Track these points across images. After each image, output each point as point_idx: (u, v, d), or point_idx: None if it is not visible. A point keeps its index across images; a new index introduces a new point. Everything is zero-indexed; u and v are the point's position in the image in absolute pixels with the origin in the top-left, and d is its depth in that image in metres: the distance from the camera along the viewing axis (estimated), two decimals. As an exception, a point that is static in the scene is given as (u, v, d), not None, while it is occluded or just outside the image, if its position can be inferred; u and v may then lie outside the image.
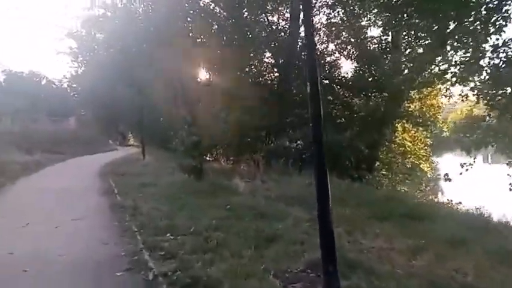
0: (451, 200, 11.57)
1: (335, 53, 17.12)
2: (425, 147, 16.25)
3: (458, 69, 11.81)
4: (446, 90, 15.20)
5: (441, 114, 16.01)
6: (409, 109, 15.06)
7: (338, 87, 15.64)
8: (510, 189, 7.15)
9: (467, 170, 7.64)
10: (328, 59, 16.56)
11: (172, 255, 4.90)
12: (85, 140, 33.77)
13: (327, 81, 15.96)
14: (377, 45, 15.82)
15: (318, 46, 17.34)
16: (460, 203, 10.66)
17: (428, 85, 14.85)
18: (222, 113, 11.60)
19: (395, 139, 15.79)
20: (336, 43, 17.08)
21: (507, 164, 7.51)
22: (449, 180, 7.69)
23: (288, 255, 4.65)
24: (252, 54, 18.45)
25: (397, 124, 15.42)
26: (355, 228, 5.86)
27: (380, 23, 16.00)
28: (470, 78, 8.68)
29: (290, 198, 8.28)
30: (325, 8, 17.62)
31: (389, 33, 15.25)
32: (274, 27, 19.06)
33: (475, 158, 7.64)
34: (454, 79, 9.43)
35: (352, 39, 16.52)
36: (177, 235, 5.74)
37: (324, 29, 17.27)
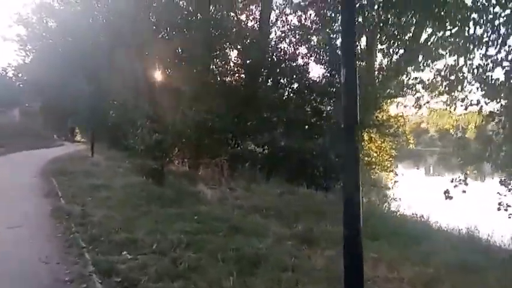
0: (416, 214, 11.32)
1: (304, 57, 16.58)
2: (390, 159, 16.08)
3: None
4: (416, 101, 15.13)
5: (406, 125, 15.90)
6: (378, 118, 14.78)
7: (307, 92, 15.06)
8: (499, 209, 6.75)
9: (455, 186, 7.17)
10: (299, 61, 15.97)
11: (131, 283, 3.88)
12: (29, 133, 31.13)
13: (296, 85, 15.35)
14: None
15: (287, 49, 16.75)
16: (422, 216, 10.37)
17: (400, 95, 14.68)
18: (185, 111, 10.56)
19: (362, 149, 15.46)
20: (306, 46, 16.55)
21: (500, 182, 7.14)
22: (450, 198, 7.19)
23: (280, 286, 3.79)
24: (217, 52, 17.53)
25: (364, 134, 15.09)
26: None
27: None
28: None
29: (264, 209, 7.43)
30: (298, 10, 17.07)
31: (363, 39, 14.93)
32: (243, 26, 18.26)
33: (466, 175, 7.18)
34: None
35: (322, 44, 16.07)
36: (138, 254, 4.70)
37: (296, 31, 16.68)
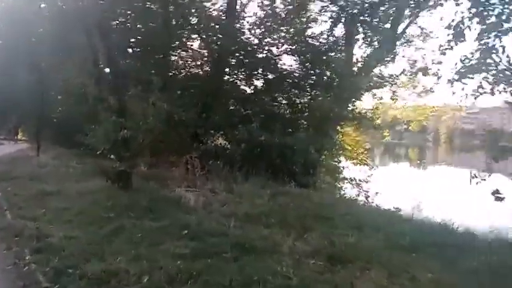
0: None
1: (276, 47, 15.55)
2: (365, 152, 15.58)
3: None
4: (393, 93, 14.70)
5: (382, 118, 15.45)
6: (355, 111, 14.15)
7: (282, 83, 14.08)
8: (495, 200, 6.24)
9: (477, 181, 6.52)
10: (274, 51, 14.90)
11: None
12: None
13: (271, 77, 14.28)
14: (325, 41, 14.61)
15: (258, 38, 15.61)
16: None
17: (379, 87, 14.13)
18: (156, 104, 9.11)
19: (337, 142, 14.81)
20: (277, 36, 15.52)
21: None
22: (502, 199, 6.55)
23: None
24: (179, 42, 16.05)
25: (340, 127, 14.41)
26: (399, 274, 4.11)
27: (327, 17, 14.89)
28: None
29: (262, 216, 6.31)
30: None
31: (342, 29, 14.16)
32: (208, 14, 16.82)
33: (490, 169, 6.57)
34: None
35: (296, 33, 15.12)
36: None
37: (266, 20, 15.54)
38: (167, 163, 12.82)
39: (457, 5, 5.96)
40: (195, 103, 13.58)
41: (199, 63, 16.71)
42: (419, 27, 13.93)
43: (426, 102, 14.81)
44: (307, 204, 7.28)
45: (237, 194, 8.11)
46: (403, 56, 14.29)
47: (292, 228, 5.69)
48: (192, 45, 17.07)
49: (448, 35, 5.94)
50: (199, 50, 16.78)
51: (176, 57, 16.58)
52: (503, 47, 5.68)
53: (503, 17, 5.68)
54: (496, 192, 6.36)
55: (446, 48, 6.14)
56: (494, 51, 5.71)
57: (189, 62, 16.67)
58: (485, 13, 5.95)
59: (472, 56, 5.86)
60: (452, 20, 6.00)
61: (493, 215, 6.39)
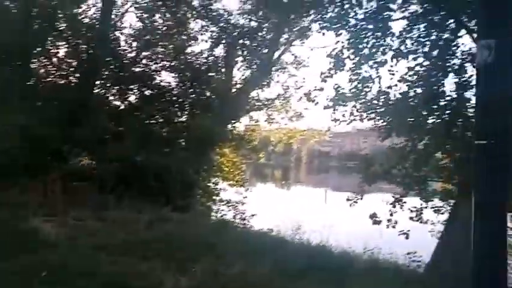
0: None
1: (153, 62, 14.85)
2: (242, 174, 15.78)
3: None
4: (269, 117, 15.30)
5: (258, 140, 15.88)
6: (233, 132, 14.28)
7: (161, 100, 13.42)
8: (387, 226, 6.83)
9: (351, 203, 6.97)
10: (152, 67, 14.13)
11: None
12: None
13: (148, 92, 13.46)
14: (205, 60, 14.52)
15: (135, 52, 14.72)
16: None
17: (256, 109, 14.56)
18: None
19: (214, 163, 14.70)
20: (156, 51, 14.85)
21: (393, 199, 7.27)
22: (378, 223, 6.86)
23: None
24: (41, 48, 14.16)
25: (219, 148, 14.35)
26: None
27: (207, 37, 14.91)
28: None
29: (140, 247, 5.63)
30: (146, 12, 15.12)
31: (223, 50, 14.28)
32: (78, 22, 15.24)
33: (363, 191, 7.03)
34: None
35: (175, 50, 14.70)
36: None
37: (145, 33, 14.71)
38: (20, 186, 10.88)
39: (337, 35, 6.42)
40: (59, 117, 11.97)
41: (65, 73, 14.95)
42: (293, 54, 14.89)
43: (296, 126, 15.82)
44: (189, 231, 6.82)
45: (109, 222, 7.20)
46: (278, 82, 15.05)
47: (175, 260, 5.19)
48: (57, 52, 15.25)
49: (330, 63, 6.34)
50: (66, 58, 15.06)
51: (38, 65, 14.63)
52: (379, 77, 6.28)
53: (380, 49, 6.31)
54: (373, 215, 6.86)
55: (327, 76, 6.53)
56: (369, 81, 6.28)
57: (53, 71, 14.79)
58: (360, 45, 6.55)
59: (351, 84, 6.34)
60: (333, 50, 6.44)
61: (366, 235, 6.91)
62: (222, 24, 14.62)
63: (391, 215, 6.89)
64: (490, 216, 2.20)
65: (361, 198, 6.97)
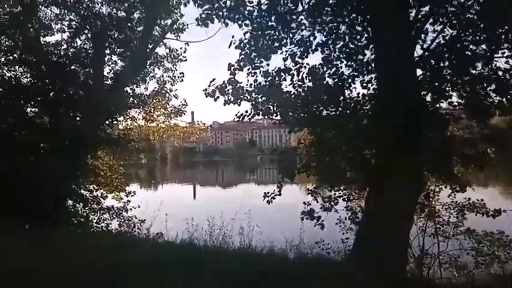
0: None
1: (7, 54, 12.34)
2: (120, 177, 14.33)
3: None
4: (147, 114, 14.29)
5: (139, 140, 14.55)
6: (109, 133, 12.84)
7: (13, 98, 11.15)
8: (302, 219, 6.94)
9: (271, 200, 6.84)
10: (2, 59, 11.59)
11: None
12: None
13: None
14: (64, 53, 12.62)
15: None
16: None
17: (132, 107, 13.41)
18: None
19: (89, 168, 13.01)
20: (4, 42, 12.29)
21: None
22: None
23: None
24: None
25: (93, 150, 12.72)
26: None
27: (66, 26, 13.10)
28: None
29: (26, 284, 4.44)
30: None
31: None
32: None
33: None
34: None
35: (26, 41, 12.45)
36: None
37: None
38: None
39: (240, 26, 6.19)
40: None
41: None
42: (169, 48, 14.18)
43: (177, 122, 15.16)
44: (83, 252, 5.71)
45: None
46: (153, 77, 14.19)
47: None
48: None
49: (241, 55, 6.08)
50: None
51: None
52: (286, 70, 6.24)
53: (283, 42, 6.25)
54: (310, 212, 6.78)
55: (236, 68, 6.26)
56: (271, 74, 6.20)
57: None
58: (262, 38, 6.41)
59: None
60: (233, 42, 6.18)
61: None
62: (82, 12, 13.01)
63: (309, 204, 7.03)
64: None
65: (279, 194, 6.93)
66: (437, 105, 6.28)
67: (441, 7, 5.82)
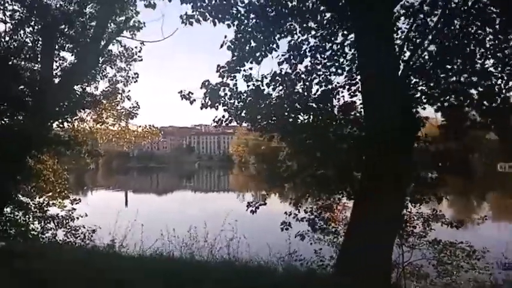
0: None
1: None
2: (65, 182, 13.20)
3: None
4: (98, 116, 13.40)
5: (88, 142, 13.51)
6: (56, 134, 11.79)
7: None
8: (282, 229, 6.88)
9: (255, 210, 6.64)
10: None
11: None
12: None
13: None
14: (5, 45, 11.42)
15: None
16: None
17: (82, 107, 12.49)
18: None
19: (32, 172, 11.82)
20: None
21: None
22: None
23: None
24: None
25: (38, 153, 11.60)
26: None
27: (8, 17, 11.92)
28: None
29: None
30: None
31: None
32: None
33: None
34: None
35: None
36: None
37: None
38: None
39: (229, 26, 6.02)
40: None
41: None
42: (124, 46, 13.45)
43: (129, 125, 14.40)
44: (50, 265, 5.11)
45: None
46: (105, 76, 13.38)
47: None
48: None
49: (234, 56, 5.89)
50: None
51: None
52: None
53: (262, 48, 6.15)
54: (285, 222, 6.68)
55: (222, 68, 6.07)
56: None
57: None
58: (243, 40, 6.28)
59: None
60: (225, 43, 6.01)
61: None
62: (28, 3, 11.92)
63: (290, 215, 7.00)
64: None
65: (265, 204, 6.80)
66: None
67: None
